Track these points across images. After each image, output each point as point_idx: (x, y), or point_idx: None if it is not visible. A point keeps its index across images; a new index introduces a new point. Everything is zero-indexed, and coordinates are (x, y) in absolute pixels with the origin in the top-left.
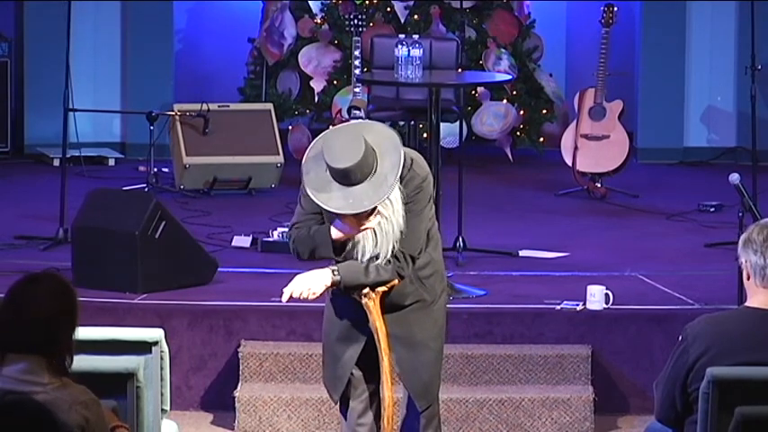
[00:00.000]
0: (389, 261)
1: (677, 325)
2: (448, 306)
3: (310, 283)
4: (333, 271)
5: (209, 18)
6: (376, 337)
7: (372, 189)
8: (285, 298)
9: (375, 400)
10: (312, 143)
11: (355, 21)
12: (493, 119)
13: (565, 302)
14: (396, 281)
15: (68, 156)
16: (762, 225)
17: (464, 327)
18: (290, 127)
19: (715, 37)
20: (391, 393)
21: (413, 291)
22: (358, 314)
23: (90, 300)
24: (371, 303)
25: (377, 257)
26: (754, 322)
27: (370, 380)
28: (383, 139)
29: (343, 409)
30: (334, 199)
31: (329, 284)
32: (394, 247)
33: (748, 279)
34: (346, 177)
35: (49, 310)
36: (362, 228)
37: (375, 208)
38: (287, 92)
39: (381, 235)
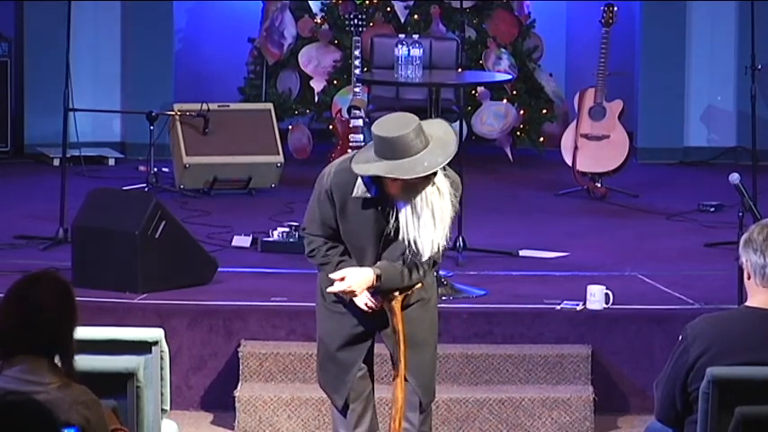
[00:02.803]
0: (418, 265)
1: (677, 325)
2: (449, 306)
3: (357, 286)
4: (377, 276)
5: (209, 18)
6: (397, 338)
7: (440, 148)
8: (334, 289)
9: (372, 399)
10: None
11: (355, 20)
12: (493, 119)
13: (565, 302)
14: (419, 284)
15: (68, 155)
16: (762, 225)
17: (464, 327)
18: (290, 127)
19: (715, 37)
20: (403, 394)
21: (418, 290)
22: (361, 320)
23: (90, 300)
24: (396, 305)
25: (420, 245)
26: (754, 322)
27: (367, 381)
28: (427, 121)
29: (344, 410)
30: (402, 168)
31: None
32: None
33: (749, 279)
34: (405, 146)
35: (50, 310)
36: (380, 305)
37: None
38: (287, 92)
39: (438, 217)
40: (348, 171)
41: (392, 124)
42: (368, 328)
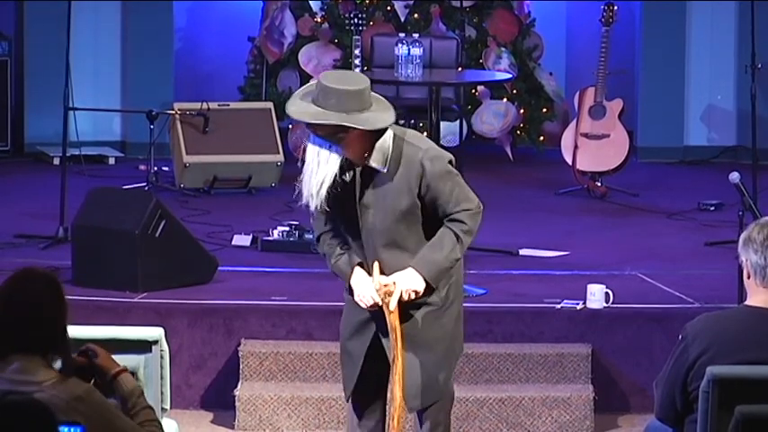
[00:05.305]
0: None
1: (677, 324)
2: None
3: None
4: (424, 278)
5: (209, 17)
6: (393, 336)
7: (348, 115)
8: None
9: (383, 400)
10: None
11: (355, 19)
12: (493, 117)
13: (565, 301)
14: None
15: (68, 154)
16: (761, 224)
17: (464, 326)
18: (290, 126)
19: (715, 36)
20: (402, 394)
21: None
22: (365, 310)
23: (90, 299)
24: (392, 302)
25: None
26: (754, 321)
27: (382, 380)
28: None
29: (356, 406)
30: (306, 112)
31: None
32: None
33: (749, 278)
34: (325, 96)
35: (35, 307)
36: (381, 303)
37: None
38: (287, 90)
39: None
40: None
41: (339, 76)
42: (372, 316)
